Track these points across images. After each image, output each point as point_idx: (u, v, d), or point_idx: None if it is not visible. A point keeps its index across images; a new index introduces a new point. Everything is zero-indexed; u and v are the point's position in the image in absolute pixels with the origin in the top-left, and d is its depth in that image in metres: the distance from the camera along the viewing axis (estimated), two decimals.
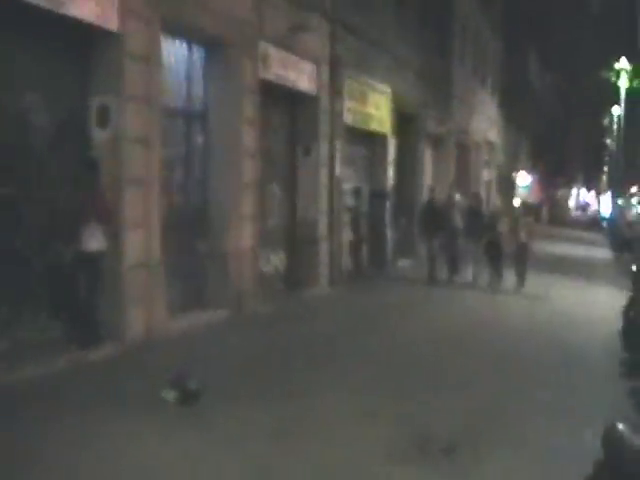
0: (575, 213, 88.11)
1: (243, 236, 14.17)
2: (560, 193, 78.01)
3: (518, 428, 8.29)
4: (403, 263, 23.47)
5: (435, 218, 20.14)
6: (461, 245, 20.92)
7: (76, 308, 10.46)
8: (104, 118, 11.06)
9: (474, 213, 20.82)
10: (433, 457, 7.29)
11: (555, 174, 70.71)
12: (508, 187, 48.31)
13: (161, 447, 7.22)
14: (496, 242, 19.64)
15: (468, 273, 20.34)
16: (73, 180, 10.83)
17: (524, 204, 24.82)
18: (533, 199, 63.88)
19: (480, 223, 20.16)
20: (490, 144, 40.15)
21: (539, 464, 7.29)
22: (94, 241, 10.27)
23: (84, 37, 10.93)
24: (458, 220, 20.82)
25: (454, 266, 20.78)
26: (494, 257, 19.71)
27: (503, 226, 20.01)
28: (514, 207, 25.06)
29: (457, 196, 22.59)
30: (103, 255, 10.49)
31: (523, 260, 19.72)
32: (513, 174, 51.03)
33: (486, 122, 38.94)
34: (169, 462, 6.87)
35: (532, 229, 20.68)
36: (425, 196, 23.50)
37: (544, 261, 27.25)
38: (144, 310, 11.46)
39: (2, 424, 7.50)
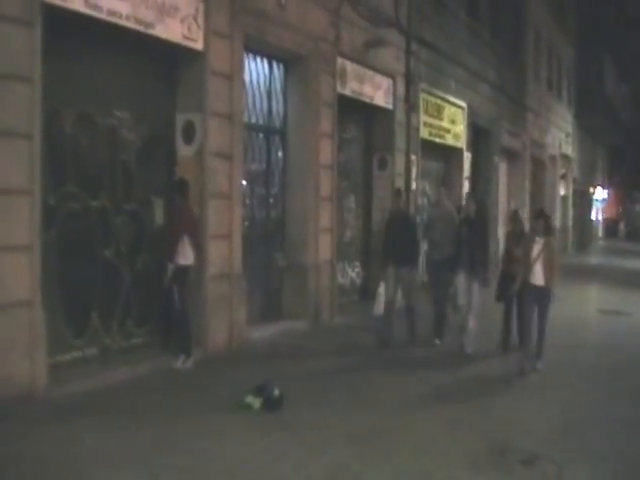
0: None
1: (320, 248, 14.42)
2: (638, 207, 76.63)
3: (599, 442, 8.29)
4: None
5: (404, 239, 12.77)
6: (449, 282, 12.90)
7: (173, 318, 10.87)
8: (189, 134, 11.50)
9: (473, 229, 12.42)
10: (513, 467, 7.33)
11: (633, 188, 69.51)
12: (584, 202, 47.78)
13: (244, 448, 7.46)
14: (510, 278, 12.10)
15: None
16: (161, 195, 11.41)
17: (539, 214, 12.12)
18: (607, 213, 63.27)
19: (481, 245, 12.50)
20: (566, 157, 39.73)
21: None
22: (185, 256, 10.64)
23: (170, 56, 11.39)
24: (444, 242, 12.81)
25: (438, 321, 13.26)
26: (507, 305, 12.87)
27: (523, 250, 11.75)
28: (516, 216, 14.01)
29: (447, 205, 13.92)
30: (191, 269, 10.87)
31: (541, 320, 11.41)
32: (590, 188, 50.39)
33: (561, 135, 38.56)
34: (251, 462, 7.10)
35: (553, 260, 11.34)
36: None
37: (620, 277, 27.10)
38: (225, 319, 11.80)
39: (93, 426, 7.89)
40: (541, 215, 11.92)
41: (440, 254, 12.85)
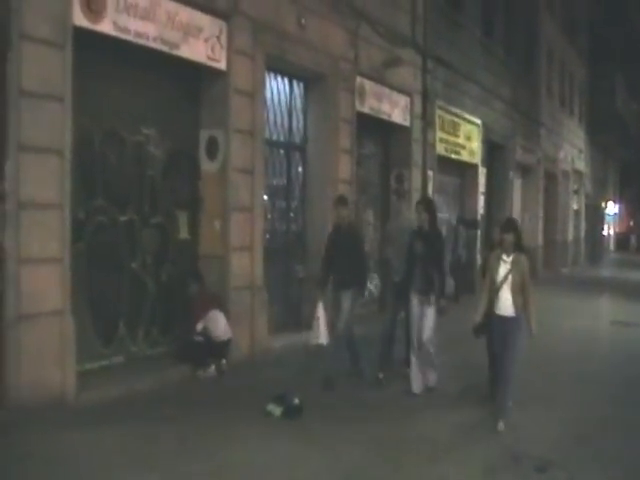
0: None
1: None
2: None
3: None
4: None
5: (348, 257, 10.75)
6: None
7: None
8: (213, 150, 11.82)
9: (427, 244, 10.21)
10: (528, 474, 7.45)
11: None
12: (596, 216, 47.93)
13: (265, 455, 7.66)
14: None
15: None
16: (186, 208, 11.74)
17: (508, 226, 9.28)
18: (620, 227, 63.37)
19: (437, 264, 10.26)
20: (578, 173, 39.93)
21: None
22: (220, 331, 11.11)
23: (195, 75, 11.72)
24: (392, 257, 11.18)
25: (384, 353, 11.23)
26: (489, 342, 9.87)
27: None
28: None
29: (406, 216, 12.47)
30: (230, 342, 11.34)
31: (505, 362, 8.94)
32: (602, 203, 50.58)
33: (574, 151, 38.76)
34: (272, 468, 7.29)
35: (525, 283, 8.93)
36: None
37: (632, 289, 27.21)
38: (247, 329, 12.07)
39: (118, 431, 8.13)
40: (510, 227, 9.24)
41: (399, 275, 10.82)
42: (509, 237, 8.96)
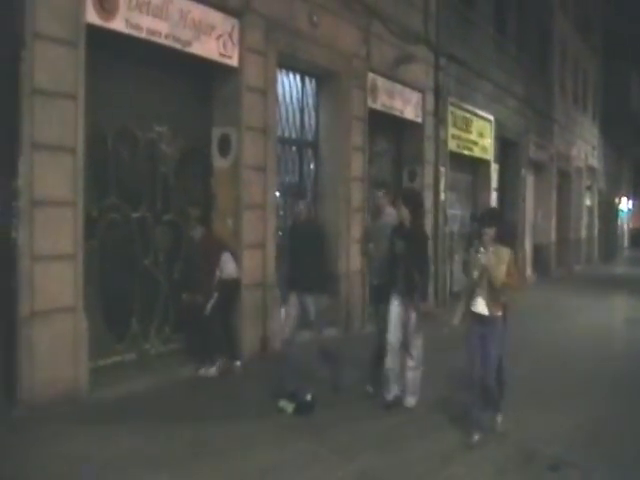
0: None
1: (351, 258, 14.58)
2: None
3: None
4: None
5: (310, 256, 9.50)
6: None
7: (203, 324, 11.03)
8: (225, 147, 11.84)
9: (409, 243, 8.96)
10: (540, 473, 7.43)
11: None
12: (610, 213, 47.79)
13: (277, 451, 7.68)
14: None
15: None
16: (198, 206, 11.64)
17: (488, 216, 8.34)
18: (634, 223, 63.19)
19: (421, 264, 9.09)
20: (591, 169, 39.81)
21: None
22: (228, 270, 11.02)
23: (207, 73, 11.72)
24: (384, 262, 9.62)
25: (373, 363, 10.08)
26: None
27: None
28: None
29: (390, 214, 10.08)
30: (238, 282, 11.33)
31: (487, 363, 8.06)
32: (615, 199, 50.45)
33: (587, 147, 38.65)
34: (284, 465, 7.32)
35: (495, 276, 7.84)
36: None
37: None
38: (260, 327, 12.10)
39: (130, 427, 8.16)
40: (492, 220, 8.14)
41: (379, 278, 9.87)
42: (490, 232, 7.92)
